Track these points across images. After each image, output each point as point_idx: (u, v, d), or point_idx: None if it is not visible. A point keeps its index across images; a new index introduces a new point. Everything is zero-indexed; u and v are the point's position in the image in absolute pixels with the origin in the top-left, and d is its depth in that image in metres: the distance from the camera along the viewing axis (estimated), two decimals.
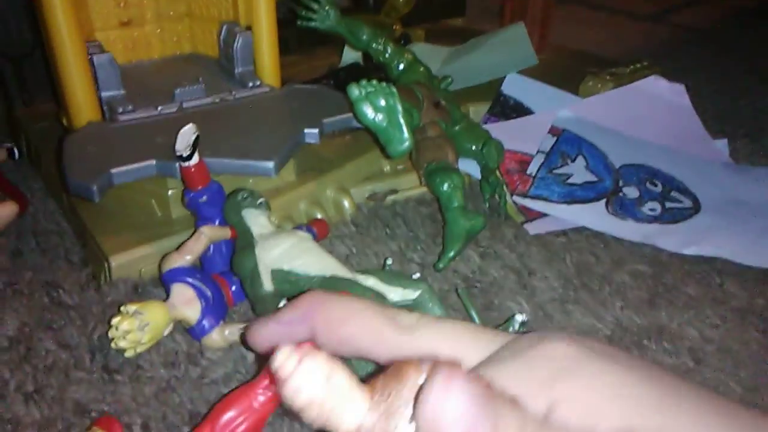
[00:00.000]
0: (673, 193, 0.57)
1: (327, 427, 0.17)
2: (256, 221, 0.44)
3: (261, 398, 0.32)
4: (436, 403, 0.14)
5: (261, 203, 0.46)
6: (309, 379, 0.17)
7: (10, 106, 0.66)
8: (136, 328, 0.38)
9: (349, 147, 0.60)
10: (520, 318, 0.39)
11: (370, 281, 0.40)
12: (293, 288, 0.40)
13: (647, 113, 0.65)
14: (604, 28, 1.17)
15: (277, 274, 0.40)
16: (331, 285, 0.38)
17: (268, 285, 0.40)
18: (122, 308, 0.39)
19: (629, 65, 0.74)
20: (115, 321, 0.38)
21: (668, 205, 0.56)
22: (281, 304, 0.36)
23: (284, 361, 0.17)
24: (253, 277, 0.41)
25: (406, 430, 0.16)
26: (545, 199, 0.56)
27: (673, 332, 0.43)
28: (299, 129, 0.52)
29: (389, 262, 0.45)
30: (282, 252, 0.41)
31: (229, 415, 0.32)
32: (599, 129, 0.62)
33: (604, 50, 0.93)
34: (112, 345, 0.38)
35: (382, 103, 0.48)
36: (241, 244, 0.43)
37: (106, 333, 0.39)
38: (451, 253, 0.48)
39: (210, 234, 0.45)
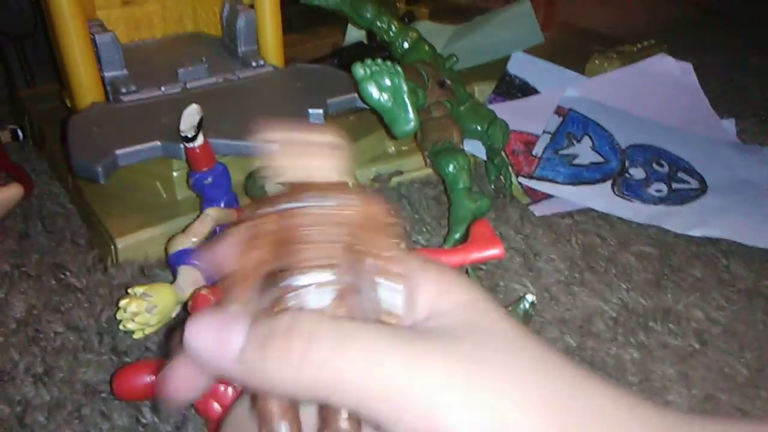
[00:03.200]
0: (680, 174, 0.57)
1: None
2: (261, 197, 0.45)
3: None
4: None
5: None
6: None
7: (13, 87, 0.65)
8: (144, 310, 0.38)
9: (354, 128, 0.59)
10: (530, 298, 0.39)
11: None
12: None
13: (654, 92, 0.65)
14: (611, 6, 1.15)
15: None
16: None
17: None
18: (130, 290, 0.39)
19: (636, 44, 0.73)
20: (123, 303, 0.38)
21: (675, 186, 0.56)
22: None
23: None
24: None
25: None
26: (551, 181, 0.56)
27: (679, 314, 0.43)
28: (303, 109, 0.52)
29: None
30: None
31: None
32: (606, 109, 0.62)
33: (611, 28, 0.91)
34: (121, 327, 0.38)
35: (387, 82, 0.47)
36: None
37: (114, 315, 0.39)
38: (457, 235, 0.48)
39: (215, 216, 0.45)
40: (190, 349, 0.17)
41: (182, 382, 0.19)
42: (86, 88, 0.51)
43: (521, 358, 0.17)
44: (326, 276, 0.18)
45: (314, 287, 0.18)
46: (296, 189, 0.19)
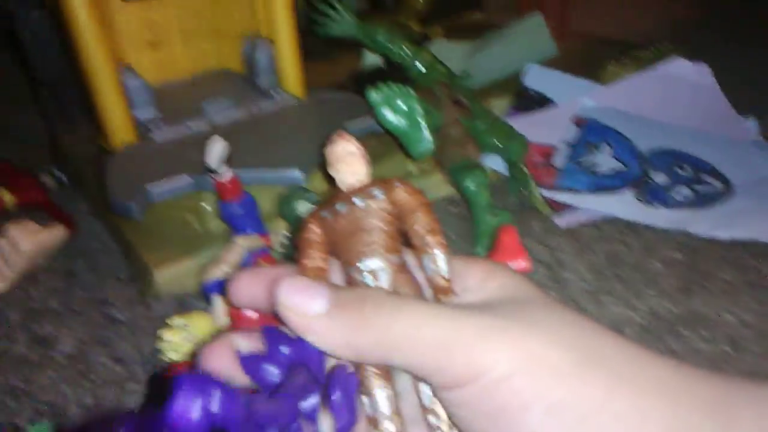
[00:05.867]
0: (704, 177, 0.57)
1: None
2: (308, 212, 0.47)
3: None
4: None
5: (314, 199, 0.49)
6: None
7: (52, 132, 0.69)
8: (184, 341, 0.40)
9: (375, 150, 0.61)
10: None
11: None
12: None
13: (672, 96, 0.65)
14: (623, 10, 1.15)
15: None
16: None
17: None
18: (169, 321, 0.41)
19: (650, 48, 0.73)
20: (163, 335, 0.40)
21: (699, 189, 0.56)
22: None
23: None
24: None
25: None
26: (572, 190, 0.56)
27: (710, 319, 0.43)
28: (323, 136, 0.54)
29: None
30: None
31: None
32: (624, 116, 0.62)
33: (625, 33, 0.91)
34: (163, 357, 0.40)
35: (402, 105, 0.49)
36: (293, 231, 0.47)
37: (156, 346, 0.41)
38: (480, 251, 0.49)
39: (245, 244, 0.47)
40: (280, 302, 0.21)
41: (243, 289, 0.23)
42: (119, 129, 0.54)
43: (550, 315, 0.20)
44: (378, 262, 0.22)
45: (371, 273, 0.22)
46: (339, 194, 0.24)
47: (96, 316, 0.48)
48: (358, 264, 0.22)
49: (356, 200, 0.23)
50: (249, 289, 0.23)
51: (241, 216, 0.48)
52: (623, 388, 0.19)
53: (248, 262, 0.47)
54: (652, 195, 0.55)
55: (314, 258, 0.24)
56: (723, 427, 0.19)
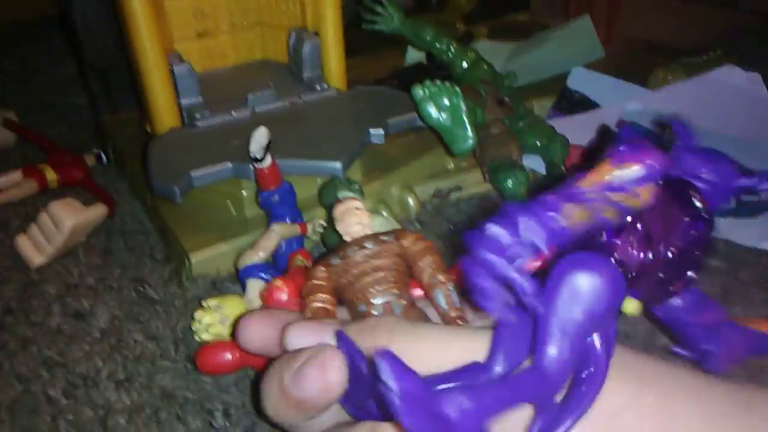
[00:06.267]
0: None
1: None
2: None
3: None
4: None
5: (356, 188, 0.49)
6: None
7: (97, 114, 0.71)
8: (217, 322, 0.40)
9: (414, 145, 0.61)
10: None
11: None
12: None
13: (720, 104, 0.63)
14: (675, 16, 1.12)
15: None
16: None
17: None
18: (203, 303, 0.41)
19: (702, 55, 0.71)
20: (197, 315, 0.41)
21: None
22: None
23: None
24: None
25: None
26: None
27: None
28: (365, 129, 0.54)
29: None
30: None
31: None
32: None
33: (676, 39, 0.89)
34: (196, 338, 0.41)
35: (446, 102, 0.48)
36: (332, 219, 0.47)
37: (189, 326, 0.42)
38: None
39: (281, 231, 0.47)
40: (289, 346, 0.23)
41: (254, 332, 0.25)
42: (164, 114, 0.55)
43: None
44: (391, 297, 0.24)
45: (384, 307, 0.24)
46: (348, 243, 0.27)
47: (131, 293, 0.49)
48: (372, 300, 0.24)
49: (367, 244, 0.26)
50: (259, 332, 0.25)
51: (278, 204, 0.48)
52: (652, 386, 0.19)
53: (284, 250, 0.48)
54: None
55: (322, 300, 0.26)
56: (752, 428, 0.19)
